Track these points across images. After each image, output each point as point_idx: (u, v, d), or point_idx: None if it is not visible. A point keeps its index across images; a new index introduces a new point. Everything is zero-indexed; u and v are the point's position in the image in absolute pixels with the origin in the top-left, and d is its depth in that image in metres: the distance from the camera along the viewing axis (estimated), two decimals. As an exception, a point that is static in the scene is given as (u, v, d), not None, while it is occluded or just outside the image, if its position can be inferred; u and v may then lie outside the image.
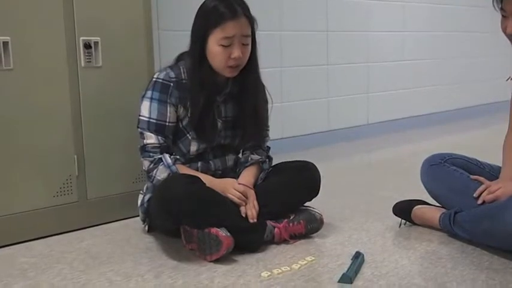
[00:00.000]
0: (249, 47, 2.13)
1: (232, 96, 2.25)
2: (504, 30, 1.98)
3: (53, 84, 2.27)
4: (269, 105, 2.32)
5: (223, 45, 2.06)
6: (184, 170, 2.14)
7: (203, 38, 2.09)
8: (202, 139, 2.19)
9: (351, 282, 1.79)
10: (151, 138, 2.13)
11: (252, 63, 2.18)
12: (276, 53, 3.96)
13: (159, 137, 2.13)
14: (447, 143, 4.29)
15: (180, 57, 2.23)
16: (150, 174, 2.13)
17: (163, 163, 2.11)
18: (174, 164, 2.11)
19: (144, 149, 2.15)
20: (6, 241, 2.21)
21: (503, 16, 1.98)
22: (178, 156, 2.17)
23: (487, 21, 5.48)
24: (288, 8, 4.01)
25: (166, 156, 2.12)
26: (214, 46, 2.07)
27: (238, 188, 2.13)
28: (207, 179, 2.11)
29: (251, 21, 2.12)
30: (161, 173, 2.11)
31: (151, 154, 2.13)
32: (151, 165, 2.13)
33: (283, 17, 3.99)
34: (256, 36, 2.17)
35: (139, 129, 2.15)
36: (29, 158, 2.23)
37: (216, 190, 2.10)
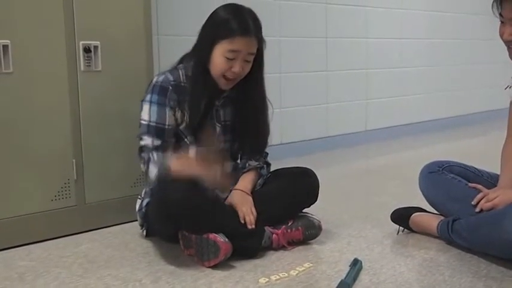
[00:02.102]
0: (250, 63, 2.13)
1: (232, 100, 2.25)
2: (501, 36, 2.00)
3: (52, 88, 2.27)
4: (269, 111, 2.32)
5: (227, 57, 2.06)
6: (178, 160, 2.08)
7: (210, 46, 2.08)
8: (200, 143, 2.19)
9: (349, 289, 1.79)
10: (147, 141, 2.13)
11: (257, 79, 2.19)
12: (275, 59, 3.97)
13: (154, 139, 2.12)
14: (445, 150, 4.29)
15: (182, 60, 2.23)
16: (148, 176, 2.14)
17: (151, 160, 2.08)
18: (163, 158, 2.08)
19: (139, 152, 2.15)
20: (4, 244, 2.21)
21: (501, 22, 2.00)
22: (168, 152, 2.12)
23: (485, 29, 5.48)
24: (287, 14, 4.02)
25: (155, 154, 2.10)
26: (218, 55, 2.07)
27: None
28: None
29: (260, 41, 2.12)
30: (152, 172, 2.08)
31: (142, 155, 2.13)
32: (144, 167, 2.13)
33: (283, 23, 4.00)
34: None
35: (140, 133, 2.15)
36: (27, 162, 2.23)
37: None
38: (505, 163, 2.20)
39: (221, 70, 2.09)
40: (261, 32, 2.12)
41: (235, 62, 2.07)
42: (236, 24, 2.05)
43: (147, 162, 2.11)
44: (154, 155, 2.10)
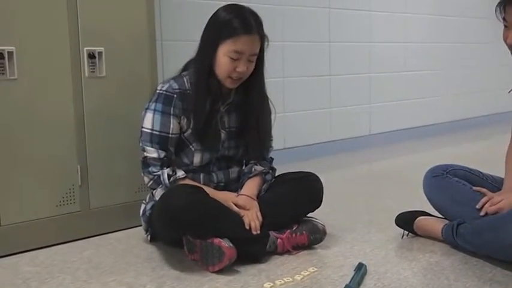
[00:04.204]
0: (254, 62, 2.14)
1: (236, 106, 2.25)
2: (505, 40, 2.00)
3: (56, 94, 2.28)
4: (272, 116, 2.33)
5: (231, 57, 2.07)
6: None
7: (213, 47, 2.09)
8: (205, 149, 2.20)
9: (354, 294, 1.79)
10: (152, 153, 2.13)
11: (258, 76, 2.19)
12: (278, 64, 3.98)
13: (160, 151, 2.13)
14: (449, 154, 4.28)
15: (187, 66, 2.24)
16: (152, 191, 2.18)
17: (162, 185, 2.12)
18: (171, 184, 2.12)
19: (144, 163, 2.16)
20: (9, 250, 2.21)
21: (505, 26, 2.00)
22: (178, 175, 2.14)
23: (488, 33, 5.49)
24: (291, 18, 4.03)
25: (165, 174, 2.12)
26: (222, 56, 2.08)
27: (236, 201, 2.14)
28: (209, 192, 2.11)
29: (262, 39, 2.13)
30: (159, 194, 2.13)
31: (150, 169, 2.14)
32: (151, 182, 2.15)
33: (286, 27, 4.01)
34: (265, 52, 2.18)
35: (141, 142, 2.16)
36: (32, 168, 2.24)
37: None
38: (509, 167, 2.19)
39: (227, 71, 2.09)
40: (263, 29, 2.13)
41: (240, 62, 2.08)
42: (238, 24, 2.05)
43: (155, 181, 2.13)
44: (165, 178, 2.11)
